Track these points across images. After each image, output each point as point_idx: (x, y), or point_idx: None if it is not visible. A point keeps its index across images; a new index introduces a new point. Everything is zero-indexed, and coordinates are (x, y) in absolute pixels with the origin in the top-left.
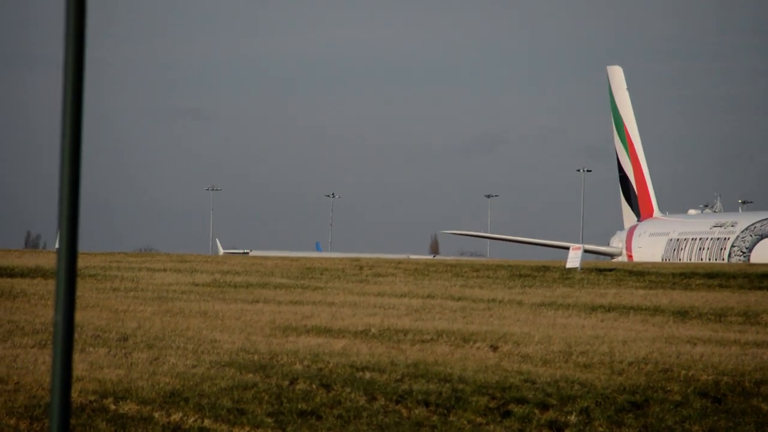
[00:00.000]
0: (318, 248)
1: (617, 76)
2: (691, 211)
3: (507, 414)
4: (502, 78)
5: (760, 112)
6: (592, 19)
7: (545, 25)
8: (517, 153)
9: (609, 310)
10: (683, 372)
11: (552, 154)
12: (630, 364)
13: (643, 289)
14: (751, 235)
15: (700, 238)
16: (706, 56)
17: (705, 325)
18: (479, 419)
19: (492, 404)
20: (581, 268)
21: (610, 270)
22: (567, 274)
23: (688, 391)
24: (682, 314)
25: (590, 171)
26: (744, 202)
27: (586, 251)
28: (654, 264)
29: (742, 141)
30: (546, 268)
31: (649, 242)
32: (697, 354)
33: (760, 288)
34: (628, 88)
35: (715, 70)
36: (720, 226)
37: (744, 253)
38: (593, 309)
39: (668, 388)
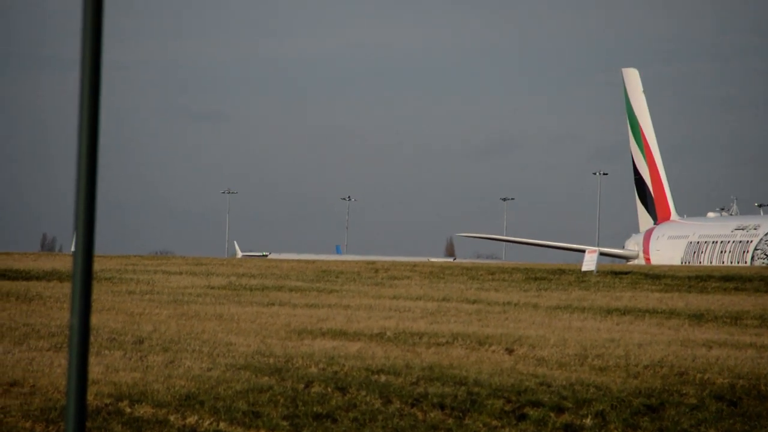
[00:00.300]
0: (338, 251)
1: (633, 78)
2: (710, 214)
3: (522, 417)
4: (517, 81)
5: (760, 112)
6: (610, 20)
7: (562, 27)
8: (533, 156)
9: (624, 314)
10: (699, 375)
11: (567, 157)
12: (645, 367)
13: (658, 293)
14: None
15: (722, 241)
16: (712, 57)
17: (721, 329)
18: (494, 422)
19: (507, 407)
20: (597, 271)
21: (626, 273)
22: (583, 277)
23: (704, 394)
24: (698, 317)
25: (606, 174)
26: (761, 206)
27: (601, 254)
28: (670, 267)
29: (756, 144)
30: (562, 271)
31: (667, 245)
32: (712, 357)
33: None
34: (644, 91)
35: (724, 70)
36: (742, 229)
37: None
38: (609, 312)
39: (684, 392)
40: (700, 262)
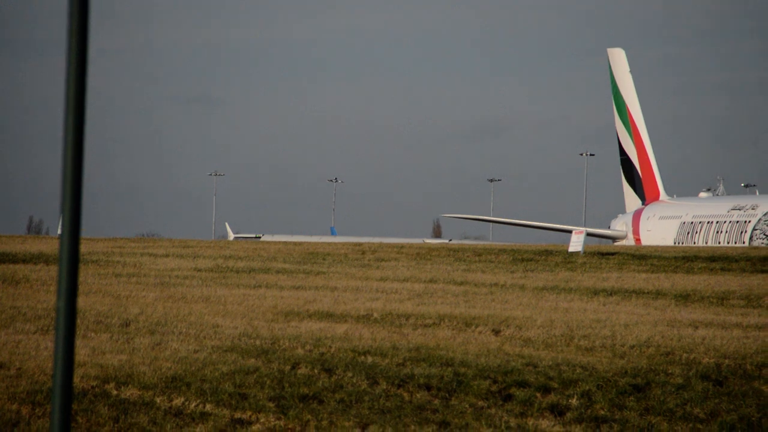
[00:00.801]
0: (333, 232)
1: (619, 58)
2: (702, 194)
3: (508, 397)
4: (504, 64)
5: (756, 96)
6: (597, 1)
7: (550, 9)
8: (520, 138)
9: (611, 294)
10: (685, 355)
11: (555, 138)
12: (632, 347)
13: (645, 273)
14: None
15: (717, 221)
16: (705, 40)
17: (707, 309)
18: (481, 403)
19: (494, 388)
20: (584, 252)
21: (613, 254)
22: (569, 257)
23: (690, 373)
24: (684, 297)
25: (593, 155)
26: (747, 186)
27: (589, 235)
28: (656, 248)
29: (742, 125)
30: (548, 252)
31: (659, 225)
32: (698, 337)
33: (763, 271)
34: (630, 71)
35: (714, 53)
36: (739, 209)
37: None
38: (595, 293)
39: (670, 371)
40: (694, 243)
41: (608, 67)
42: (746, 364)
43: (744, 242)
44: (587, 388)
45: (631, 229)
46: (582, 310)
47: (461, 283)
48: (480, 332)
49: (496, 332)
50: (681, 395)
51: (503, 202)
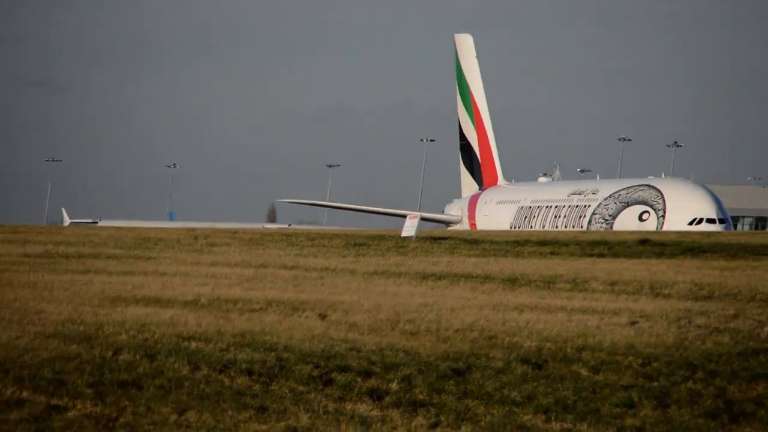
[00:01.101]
0: (172, 218)
1: (466, 44)
2: (542, 179)
3: (329, 382)
4: (348, 48)
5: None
6: None
7: None
8: (362, 123)
9: (440, 278)
10: (507, 339)
11: (396, 124)
12: (456, 331)
13: (475, 258)
14: (615, 203)
15: (556, 206)
16: (550, 27)
17: (533, 293)
18: (301, 388)
19: (315, 373)
20: (416, 237)
21: (445, 238)
22: (402, 242)
23: (511, 357)
24: (512, 282)
25: (433, 140)
26: (583, 171)
27: (424, 219)
28: (488, 232)
29: (583, 113)
30: (381, 237)
31: (495, 210)
32: (522, 321)
33: (591, 255)
34: (477, 56)
35: (559, 41)
36: (579, 194)
37: (607, 220)
38: (425, 277)
39: (491, 355)
40: (531, 227)
41: (454, 53)
42: (567, 347)
43: (582, 226)
44: (408, 372)
45: (466, 213)
46: (410, 294)
47: (292, 268)
48: (307, 317)
49: (323, 317)
50: (500, 379)
51: (343, 187)
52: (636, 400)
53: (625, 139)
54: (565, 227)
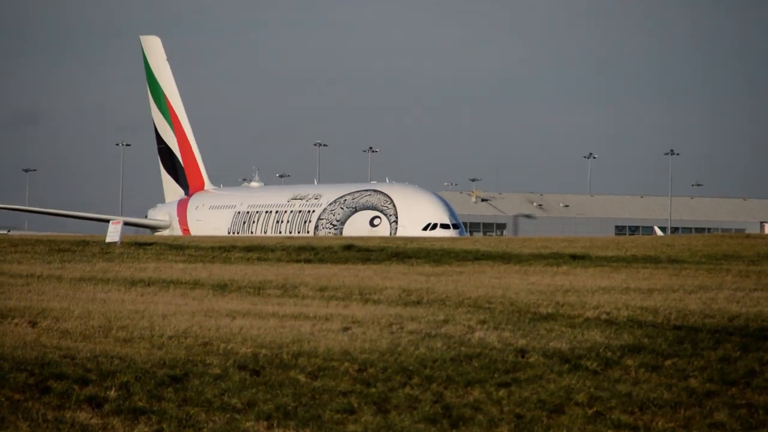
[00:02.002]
0: None
1: (155, 46)
2: (254, 184)
3: (46, 390)
4: (44, 51)
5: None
6: None
7: None
8: (59, 127)
9: (149, 285)
10: (222, 345)
11: (93, 128)
12: (170, 338)
13: (183, 263)
14: (342, 208)
15: (277, 211)
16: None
17: (244, 299)
18: (18, 396)
19: (30, 381)
20: (121, 243)
21: (150, 244)
22: (107, 248)
23: (228, 364)
24: (222, 287)
25: (129, 145)
26: (282, 176)
27: (129, 225)
28: (193, 238)
29: (283, 119)
30: (86, 243)
31: (210, 215)
32: (236, 327)
33: (298, 261)
34: (168, 59)
35: (235, 44)
36: (300, 199)
37: (335, 225)
38: (133, 283)
39: (208, 362)
40: (252, 233)
41: (143, 55)
42: (282, 353)
43: (309, 231)
44: (125, 379)
45: (176, 218)
46: (120, 300)
47: None
48: (16, 324)
49: (33, 324)
50: (219, 385)
51: (41, 192)
52: (356, 405)
53: (320, 145)
54: (290, 233)
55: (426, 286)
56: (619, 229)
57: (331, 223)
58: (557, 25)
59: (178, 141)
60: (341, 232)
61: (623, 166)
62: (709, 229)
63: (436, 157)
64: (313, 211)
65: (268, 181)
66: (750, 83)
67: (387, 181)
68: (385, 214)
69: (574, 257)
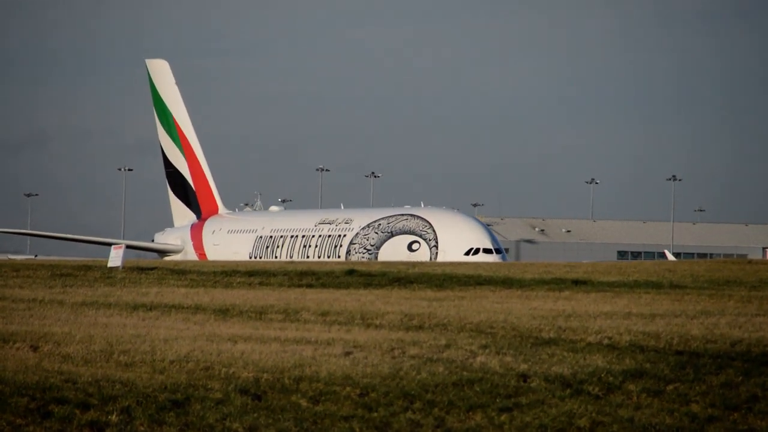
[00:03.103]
0: None
1: (162, 70)
2: (274, 208)
3: (47, 415)
4: (46, 74)
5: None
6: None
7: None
8: (62, 151)
9: (151, 309)
10: (224, 369)
11: (97, 152)
12: (171, 362)
13: (185, 288)
14: (376, 233)
15: (304, 236)
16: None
17: (246, 323)
18: (19, 421)
19: (32, 405)
20: (123, 267)
21: (152, 269)
22: (109, 273)
23: (229, 388)
24: (224, 312)
25: (131, 170)
26: (284, 201)
27: (138, 249)
28: (195, 263)
29: (284, 142)
30: (88, 268)
31: (229, 239)
32: (237, 351)
33: (299, 286)
34: (177, 83)
35: (264, 69)
36: (329, 223)
37: (369, 250)
38: (135, 308)
39: (209, 386)
40: (276, 257)
41: (148, 79)
42: (284, 378)
43: (340, 256)
44: (127, 404)
45: (191, 243)
46: (122, 325)
47: (0, 299)
48: (18, 348)
49: (35, 348)
50: (220, 410)
51: (42, 216)
52: (357, 430)
53: (323, 170)
54: (319, 257)
55: (428, 311)
56: (621, 255)
57: (365, 248)
58: (560, 51)
59: (189, 165)
60: (376, 257)
61: (625, 191)
62: (711, 255)
63: (438, 182)
64: (344, 236)
65: (268, 206)
66: (753, 110)
67: (422, 205)
68: (424, 239)
69: (576, 282)
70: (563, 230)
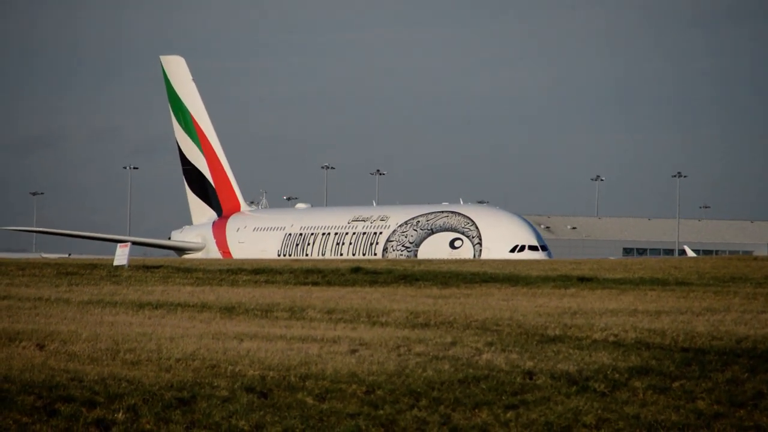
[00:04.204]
0: None
1: (178, 66)
2: (300, 205)
3: (54, 413)
4: (59, 76)
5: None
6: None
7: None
8: (69, 151)
9: (157, 307)
10: (230, 367)
11: (104, 151)
12: (177, 360)
13: (190, 286)
14: (415, 230)
15: (337, 233)
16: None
17: (252, 321)
18: (25, 419)
19: (38, 403)
20: (128, 266)
21: (158, 267)
22: (114, 271)
23: (235, 386)
24: (229, 310)
25: (137, 168)
26: (289, 198)
27: (154, 246)
28: (201, 261)
29: (288, 141)
30: (93, 266)
31: (255, 237)
32: (243, 349)
33: (305, 283)
34: (193, 79)
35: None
36: (363, 220)
37: (408, 248)
38: (141, 306)
39: (215, 384)
40: (307, 255)
41: (163, 75)
42: (290, 375)
43: (376, 254)
44: (133, 402)
45: (213, 241)
46: (128, 323)
47: (5, 298)
48: (24, 347)
49: (41, 347)
50: (226, 408)
51: (48, 214)
52: (363, 427)
53: (328, 167)
54: (353, 255)
55: (433, 309)
56: (627, 252)
57: (403, 245)
58: (566, 49)
59: (207, 162)
60: (416, 255)
61: (631, 188)
62: (716, 252)
63: (443, 180)
64: (380, 233)
65: (275, 204)
66: (757, 106)
67: (461, 202)
68: (467, 236)
69: (581, 279)
70: (568, 227)
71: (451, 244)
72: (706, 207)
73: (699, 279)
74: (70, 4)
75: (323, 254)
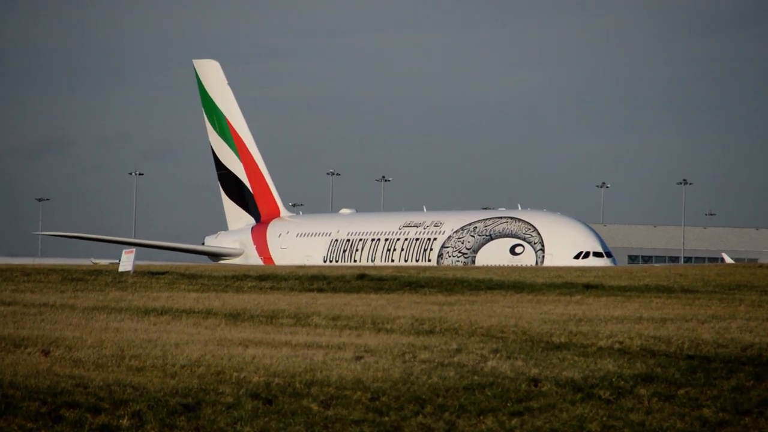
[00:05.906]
0: None
1: (212, 70)
2: (345, 211)
3: (58, 419)
4: (69, 80)
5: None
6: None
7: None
8: (80, 156)
9: (162, 314)
10: (235, 374)
11: (116, 156)
12: (182, 366)
13: (195, 292)
14: (473, 236)
15: (387, 239)
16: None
17: (257, 327)
18: (30, 425)
19: (43, 409)
20: (134, 272)
21: (163, 273)
22: (120, 277)
23: (240, 392)
24: (235, 316)
25: (142, 174)
26: (294, 205)
27: (192, 252)
28: (206, 267)
29: (312, 144)
30: (99, 272)
31: (298, 243)
32: (248, 356)
33: (310, 290)
34: (229, 83)
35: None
36: (416, 226)
37: (465, 254)
38: (146, 312)
39: (220, 390)
40: (355, 261)
41: (196, 80)
42: (295, 382)
43: (430, 260)
44: (138, 408)
45: (253, 246)
46: (133, 330)
47: (10, 304)
48: (29, 353)
49: (46, 353)
50: (231, 414)
51: (55, 220)
52: None
53: (333, 174)
54: (406, 261)
55: (438, 316)
56: (632, 259)
57: (460, 252)
58: (570, 54)
59: (245, 167)
60: (473, 261)
61: (636, 195)
62: (722, 259)
63: (448, 186)
64: (435, 239)
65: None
66: (764, 113)
67: (519, 207)
68: (529, 242)
69: (587, 287)
70: None
71: (512, 251)
72: (711, 214)
73: (704, 286)
74: (70, 7)
75: (373, 261)
